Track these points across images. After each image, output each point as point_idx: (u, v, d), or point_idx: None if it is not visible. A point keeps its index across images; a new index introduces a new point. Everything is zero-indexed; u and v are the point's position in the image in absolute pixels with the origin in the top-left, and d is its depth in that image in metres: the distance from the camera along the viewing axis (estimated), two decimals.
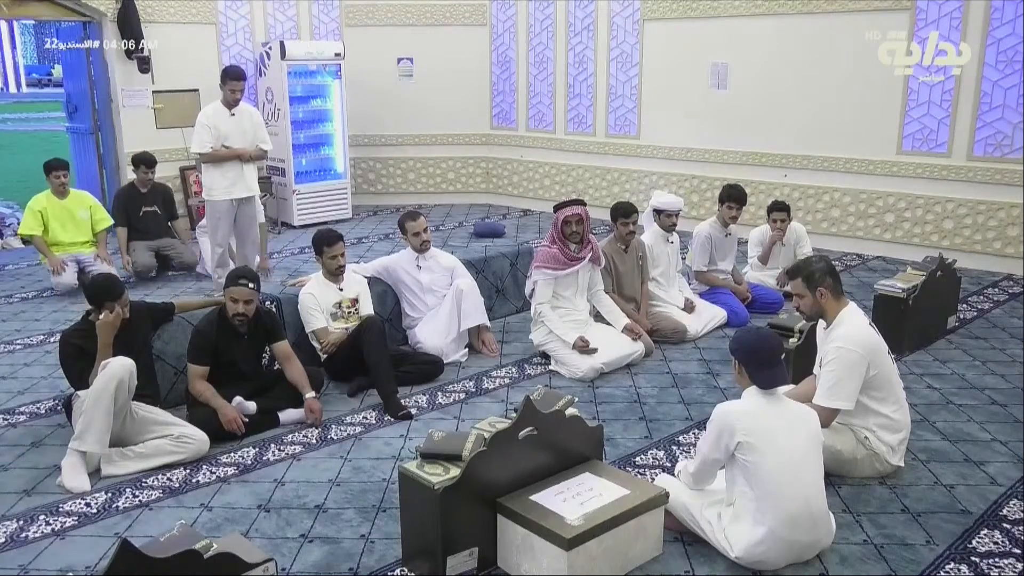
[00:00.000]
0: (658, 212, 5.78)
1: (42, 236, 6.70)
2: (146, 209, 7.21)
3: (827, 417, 3.56)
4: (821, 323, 3.79)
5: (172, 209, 7.43)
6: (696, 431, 4.23)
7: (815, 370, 3.77)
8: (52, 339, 5.52)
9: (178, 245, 7.38)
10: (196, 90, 8.70)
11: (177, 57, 8.68)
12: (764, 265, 6.54)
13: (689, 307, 5.78)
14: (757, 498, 3.02)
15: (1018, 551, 3.20)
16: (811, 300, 3.68)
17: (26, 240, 6.87)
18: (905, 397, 3.75)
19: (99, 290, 4.00)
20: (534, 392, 3.35)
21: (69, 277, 6.68)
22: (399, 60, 10.08)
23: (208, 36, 9.13)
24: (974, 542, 3.26)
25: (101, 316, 3.92)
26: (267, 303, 4.80)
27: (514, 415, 3.14)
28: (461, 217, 9.66)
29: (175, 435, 3.91)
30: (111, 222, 7.11)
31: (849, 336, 3.55)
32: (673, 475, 3.51)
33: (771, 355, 3.15)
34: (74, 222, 6.84)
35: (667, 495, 3.20)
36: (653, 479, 3.57)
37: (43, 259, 6.81)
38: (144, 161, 7.17)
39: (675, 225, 5.81)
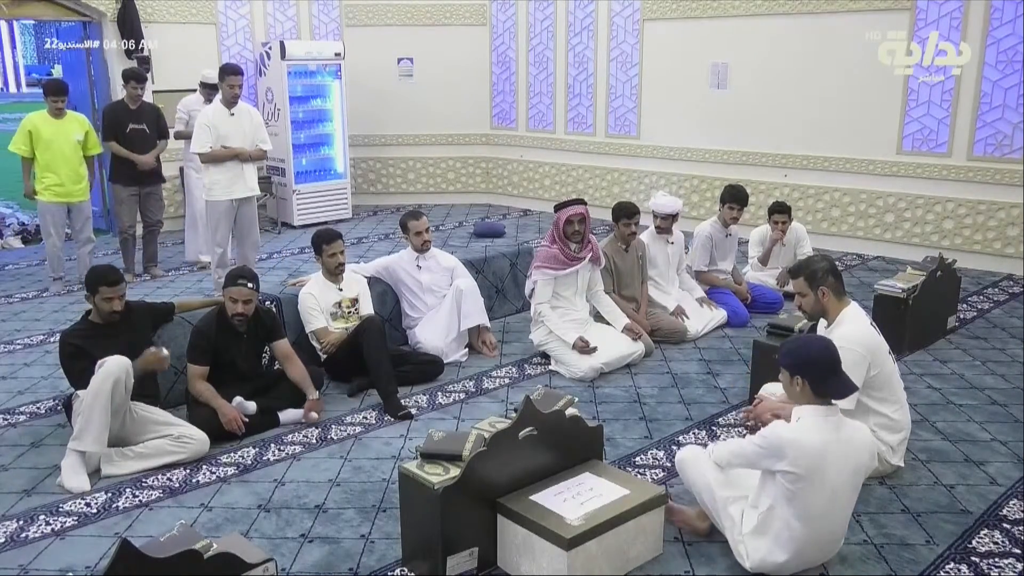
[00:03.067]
0: (654, 214, 5.76)
1: (30, 159, 6.58)
2: (134, 126, 6.96)
3: None
4: (822, 322, 3.79)
5: (164, 130, 7.19)
6: (696, 431, 4.23)
7: None
8: (52, 339, 5.52)
9: (159, 194, 7.27)
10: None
11: (177, 57, 8.68)
12: (764, 266, 6.54)
13: (679, 312, 5.66)
14: (787, 520, 2.90)
15: (1018, 551, 3.20)
16: (813, 299, 3.68)
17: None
18: (905, 398, 3.75)
19: (96, 276, 4.05)
20: (534, 392, 3.35)
21: (60, 221, 6.80)
22: (399, 60, 10.08)
23: (208, 36, 9.13)
24: (974, 542, 3.26)
25: (152, 350, 3.96)
26: (267, 303, 4.80)
27: (514, 415, 3.14)
28: (461, 217, 9.66)
29: (175, 435, 3.90)
30: (101, 150, 7.03)
31: (850, 336, 3.54)
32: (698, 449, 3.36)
33: (836, 362, 2.94)
34: (68, 142, 6.65)
35: (667, 495, 3.20)
36: (653, 479, 3.57)
37: (37, 171, 6.64)
38: (134, 76, 6.96)
39: (667, 229, 5.72)
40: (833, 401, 3.52)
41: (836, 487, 2.90)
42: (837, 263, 3.94)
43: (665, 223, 5.73)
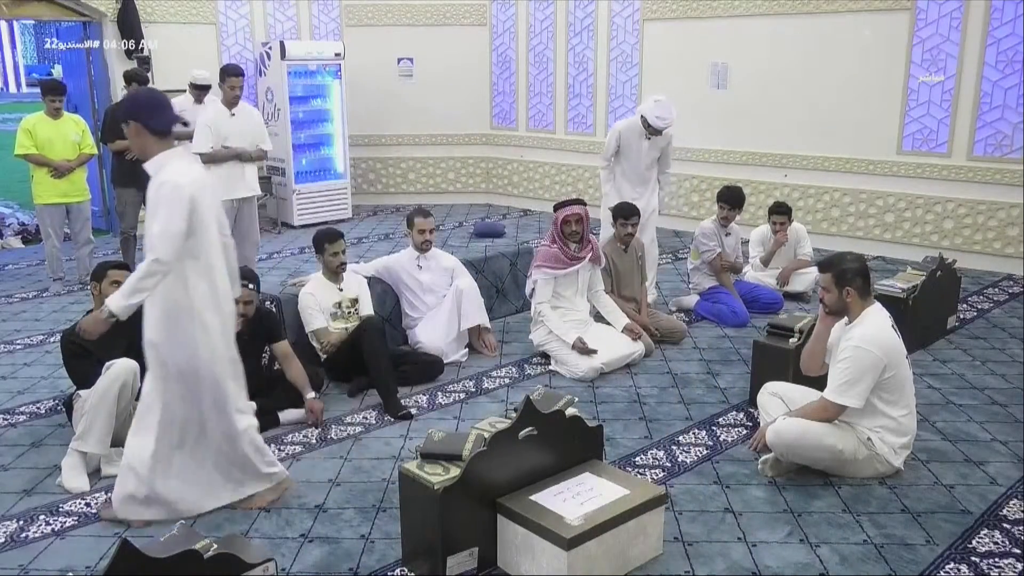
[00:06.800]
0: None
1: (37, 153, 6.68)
2: None
3: (833, 412, 3.58)
4: (843, 320, 3.76)
5: None
6: (696, 431, 4.24)
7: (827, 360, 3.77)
8: (52, 339, 5.52)
9: None
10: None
11: (177, 57, 8.68)
12: (765, 267, 6.53)
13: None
14: None
15: (1018, 551, 3.20)
16: (836, 296, 3.66)
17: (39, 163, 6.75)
18: (915, 403, 3.74)
19: (104, 263, 4.15)
20: (534, 392, 3.35)
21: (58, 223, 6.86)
22: (399, 60, 10.08)
23: (208, 36, 9.14)
24: (974, 542, 3.26)
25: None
26: (267, 303, 4.80)
27: (514, 415, 3.14)
28: (461, 217, 9.66)
29: None
30: (95, 152, 7.10)
31: (868, 336, 3.54)
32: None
33: (166, 99, 3.34)
34: (64, 142, 6.74)
35: (667, 495, 3.20)
36: (653, 479, 3.57)
37: (36, 173, 6.71)
38: (136, 78, 7.02)
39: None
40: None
41: None
42: None
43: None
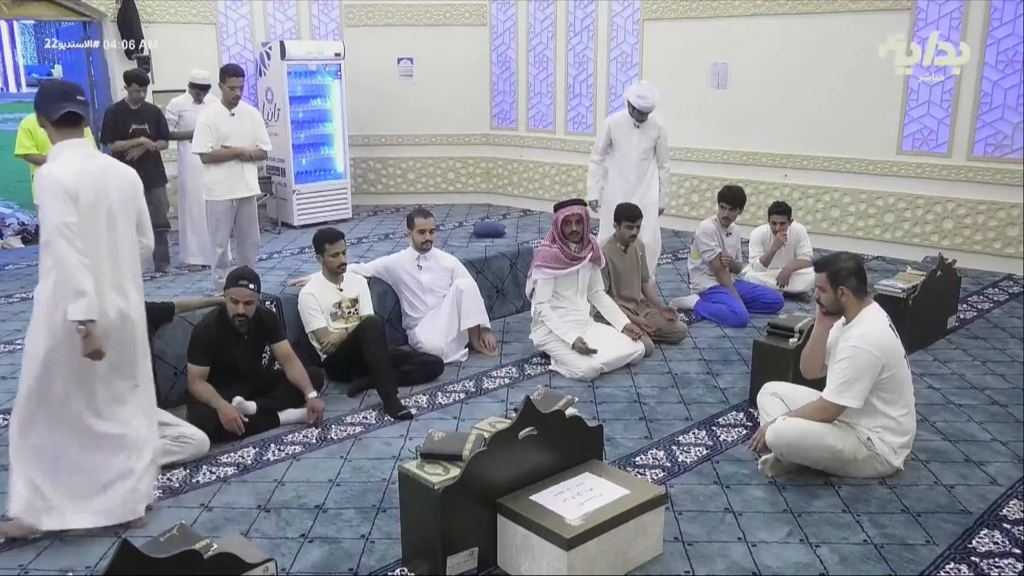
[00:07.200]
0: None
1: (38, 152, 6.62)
2: (136, 127, 6.96)
3: (833, 412, 3.59)
4: (840, 320, 3.77)
5: (164, 131, 7.17)
6: (696, 431, 4.24)
7: (827, 361, 3.78)
8: None
9: (162, 197, 7.21)
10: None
11: (177, 57, 8.68)
12: (765, 267, 6.53)
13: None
14: None
15: (1018, 551, 3.20)
16: (832, 296, 3.68)
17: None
18: (914, 402, 3.75)
19: None
20: (534, 392, 3.35)
21: None
22: (399, 60, 10.08)
23: (208, 36, 9.14)
24: (974, 542, 3.26)
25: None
26: (267, 303, 4.80)
27: (514, 415, 3.14)
28: (461, 217, 9.66)
29: (175, 435, 3.90)
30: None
31: (866, 336, 3.55)
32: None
33: (70, 90, 3.24)
34: None
35: (667, 495, 3.20)
36: (653, 479, 3.56)
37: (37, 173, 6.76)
38: (136, 78, 6.99)
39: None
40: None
41: None
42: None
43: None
